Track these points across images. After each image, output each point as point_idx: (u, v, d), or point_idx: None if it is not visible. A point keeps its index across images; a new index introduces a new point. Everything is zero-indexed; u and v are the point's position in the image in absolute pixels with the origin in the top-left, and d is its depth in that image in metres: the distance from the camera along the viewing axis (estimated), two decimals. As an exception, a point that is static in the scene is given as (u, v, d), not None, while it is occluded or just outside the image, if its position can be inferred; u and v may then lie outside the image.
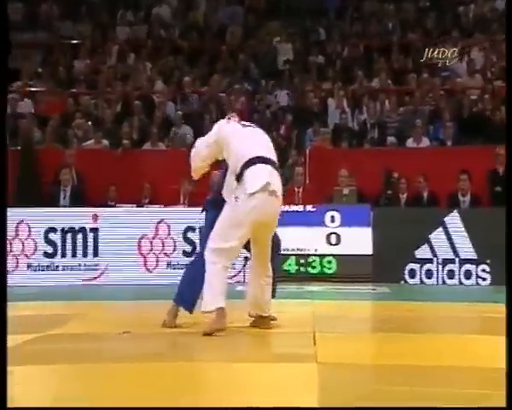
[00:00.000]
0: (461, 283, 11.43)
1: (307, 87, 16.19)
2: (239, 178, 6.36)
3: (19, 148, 13.62)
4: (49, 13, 18.77)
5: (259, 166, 6.39)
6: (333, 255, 11.74)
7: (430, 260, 11.52)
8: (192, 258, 7.91)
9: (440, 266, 11.50)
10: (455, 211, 11.64)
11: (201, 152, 6.76)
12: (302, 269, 11.79)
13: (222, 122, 6.79)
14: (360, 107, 15.49)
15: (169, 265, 11.67)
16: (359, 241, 11.67)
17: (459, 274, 11.47)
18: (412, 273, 11.53)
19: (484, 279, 11.38)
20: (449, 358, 5.56)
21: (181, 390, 4.53)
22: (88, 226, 11.72)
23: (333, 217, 11.83)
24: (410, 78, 16.08)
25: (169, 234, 11.74)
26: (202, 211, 7.02)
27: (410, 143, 14.27)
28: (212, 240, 6.45)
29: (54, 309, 8.47)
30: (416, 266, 11.53)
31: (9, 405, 3.92)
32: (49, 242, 11.67)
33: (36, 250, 11.64)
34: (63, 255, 11.66)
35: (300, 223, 11.62)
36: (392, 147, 14.44)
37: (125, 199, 12.71)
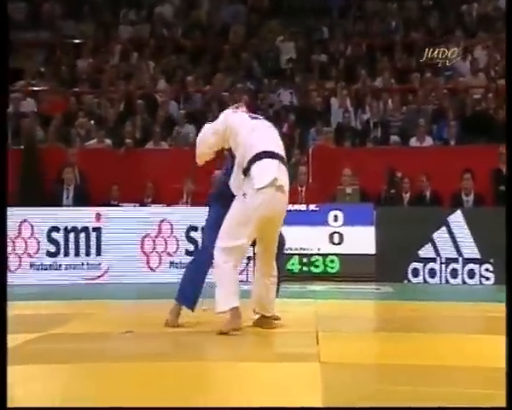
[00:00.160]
0: (464, 282, 11.40)
1: (310, 86, 16.20)
2: (246, 172, 6.32)
3: (22, 147, 13.64)
4: (52, 12, 18.77)
5: (267, 161, 6.33)
6: (336, 255, 11.72)
7: (433, 260, 11.49)
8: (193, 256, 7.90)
9: (444, 266, 11.47)
10: (458, 210, 11.61)
11: (209, 139, 6.68)
12: (305, 268, 11.76)
13: (228, 111, 6.72)
14: (363, 106, 15.47)
15: (172, 264, 11.67)
16: (362, 240, 11.65)
17: (462, 274, 11.44)
18: (415, 273, 11.51)
19: (487, 279, 11.35)
20: (452, 357, 5.54)
21: (184, 390, 4.51)
22: (91, 225, 11.71)
23: (336, 216, 11.80)
24: (414, 77, 16.04)
25: (172, 233, 11.74)
26: (207, 205, 7.00)
27: (413, 142, 14.25)
28: (221, 239, 6.39)
29: (56, 308, 8.47)
30: (419, 266, 11.50)
31: (9, 405, 3.91)
32: (51, 241, 11.66)
33: (39, 249, 11.63)
34: (66, 254, 11.66)
35: (303, 222, 11.57)
36: (395, 146, 14.42)
37: (127, 198, 12.73)
